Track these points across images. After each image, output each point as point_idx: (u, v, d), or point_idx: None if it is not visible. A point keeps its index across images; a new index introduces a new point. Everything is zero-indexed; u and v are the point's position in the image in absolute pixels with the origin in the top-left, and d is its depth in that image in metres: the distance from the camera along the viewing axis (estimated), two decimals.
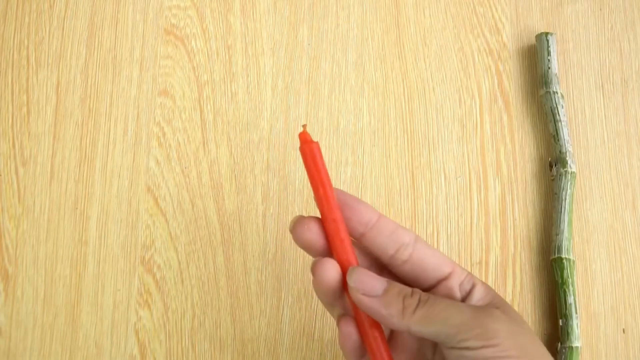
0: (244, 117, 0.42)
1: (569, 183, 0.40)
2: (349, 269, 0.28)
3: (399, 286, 0.27)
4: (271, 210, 0.41)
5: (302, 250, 0.40)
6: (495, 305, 0.28)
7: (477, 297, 0.28)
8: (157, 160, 0.42)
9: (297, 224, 0.29)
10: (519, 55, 0.44)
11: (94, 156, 0.42)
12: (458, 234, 0.41)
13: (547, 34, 0.43)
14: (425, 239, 0.40)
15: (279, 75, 0.43)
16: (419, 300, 0.27)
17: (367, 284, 0.27)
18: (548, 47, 0.42)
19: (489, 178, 0.42)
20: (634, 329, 0.39)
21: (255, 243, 0.40)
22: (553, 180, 0.41)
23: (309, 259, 0.40)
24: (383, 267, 0.30)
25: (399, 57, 0.44)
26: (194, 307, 0.39)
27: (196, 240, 0.40)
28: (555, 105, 0.41)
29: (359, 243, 0.29)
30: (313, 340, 0.39)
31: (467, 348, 0.25)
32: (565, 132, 0.41)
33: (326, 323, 0.39)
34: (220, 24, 0.44)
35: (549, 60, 0.42)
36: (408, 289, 0.27)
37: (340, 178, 0.41)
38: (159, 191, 0.41)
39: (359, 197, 0.41)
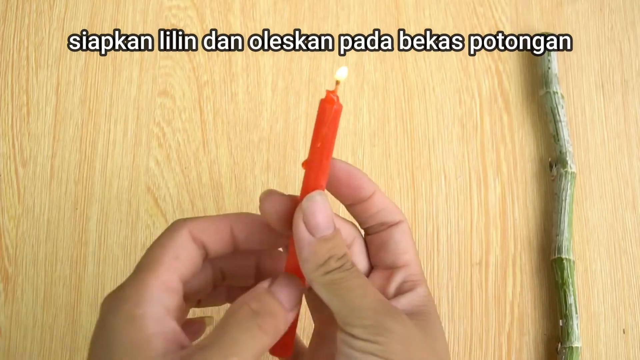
0: (244, 118, 0.42)
1: (569, 183, 0.40)
2: (315, 191, 0.26)
3: (336, 242, 0.26)
4: None
5: None
6: (418, 311, 0.26)
7: (406, 300, 0.27)
8: (157, 161, 0.42)
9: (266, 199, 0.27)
10: (519, 55, 0.44)
11: (94, 157, 0.42)
12: (458, 234, 0.41)
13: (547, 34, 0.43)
14: (425, 238, 0.40)
15: (279, 75, 0.43)
16: (341, 267, 0.25)
17: (316, 219, 0.25)
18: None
19: (489, 178, 0.42)
20: (634, 329, 0.39)
21: None
22: (553, 180, 0.41)
23: None
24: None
25: (399, 57, 0.44)
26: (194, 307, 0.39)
27: None
28: (555, 105, 0.41)
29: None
30: None
31: (351, 335, 0.24)
32: (565, 132, 0.41)
33: None
34: (220, 24, 0.44)
35: (549, 60, 0.42)
36: (342, 251, 0.26)
37: None
38: (159, 191, 0.41)
39: None
